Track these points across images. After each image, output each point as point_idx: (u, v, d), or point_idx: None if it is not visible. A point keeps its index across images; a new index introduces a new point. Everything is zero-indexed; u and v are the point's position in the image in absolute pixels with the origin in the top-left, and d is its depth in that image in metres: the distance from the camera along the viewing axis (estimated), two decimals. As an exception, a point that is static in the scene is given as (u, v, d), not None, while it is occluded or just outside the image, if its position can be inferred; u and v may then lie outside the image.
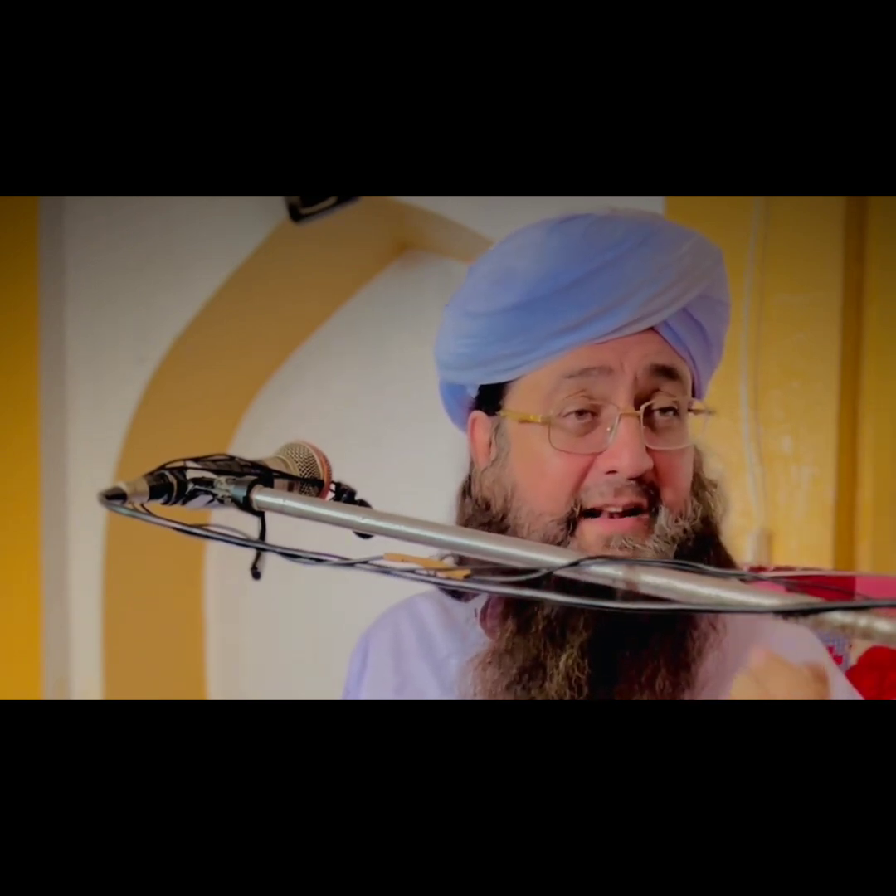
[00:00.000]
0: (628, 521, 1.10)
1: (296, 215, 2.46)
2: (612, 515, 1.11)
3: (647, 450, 1.09)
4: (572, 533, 1.11)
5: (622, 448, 1.09)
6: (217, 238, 2.70)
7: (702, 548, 1.13)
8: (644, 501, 1.10)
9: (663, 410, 1.12)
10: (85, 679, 2.91)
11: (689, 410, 1.14)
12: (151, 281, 2.78)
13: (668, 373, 1.12)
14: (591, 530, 1.11)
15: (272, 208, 2.56)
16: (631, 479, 1.09)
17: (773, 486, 1.92)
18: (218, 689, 3.12)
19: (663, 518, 1.11)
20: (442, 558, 1.12)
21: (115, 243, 2.81)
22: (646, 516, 1.11)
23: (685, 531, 1.12)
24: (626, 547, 1.10)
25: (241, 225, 2.66)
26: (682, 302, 1.11)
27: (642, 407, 1.10)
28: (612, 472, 1.10)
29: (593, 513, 1.11)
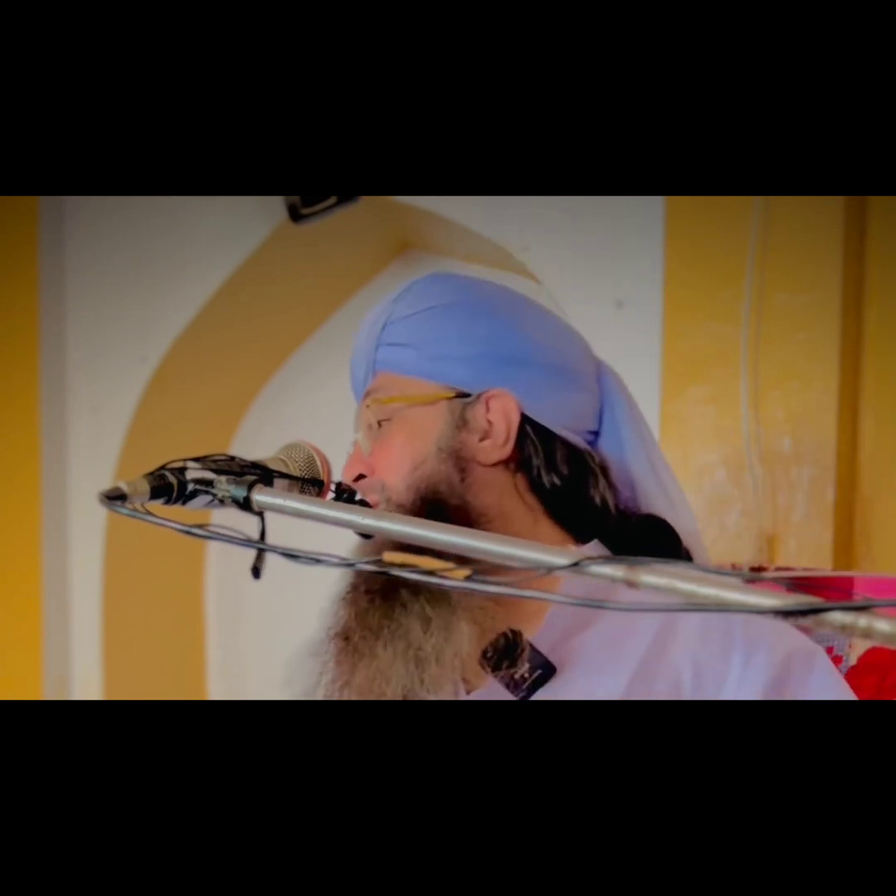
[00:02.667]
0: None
1: (296, 215, 2.46)
2: None
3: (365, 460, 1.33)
4: None
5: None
6: (217, 238, 2.70)
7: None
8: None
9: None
10: (85, 679, 2.90)
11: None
12: (152, 281, 2.78)
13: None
14: None
15: (272, 208, 2.56)
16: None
17: (773, 486, 1.92)
18: (218, 688, 3.12)
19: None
20: None
21: (116, 243, 2.80)
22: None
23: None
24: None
25: (241, 225, 2.66)
26: (376, 357, 1.34)
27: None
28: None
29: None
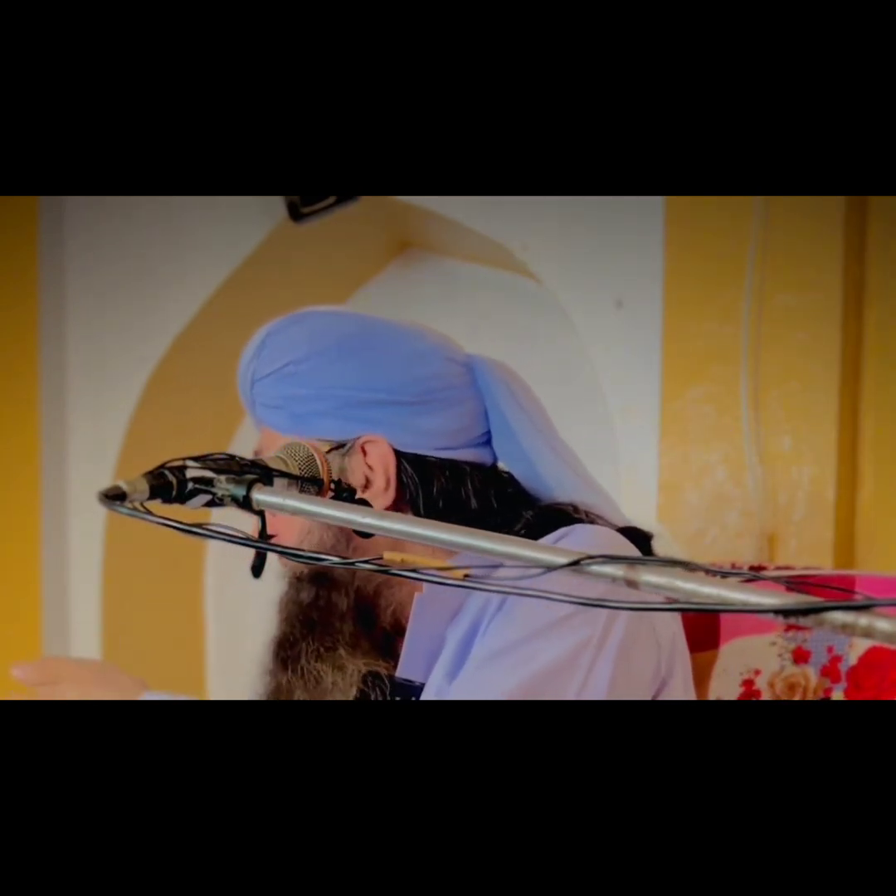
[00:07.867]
0: None
1: (296, 214, 2.45)
2: None
3: None
4: None
5: None
6: (217, 238, 2.70)
7: None
8: None
9: None
10: (85, 679, 2.90)
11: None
12: (152, 281, 2.78)
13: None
14: None
15: (272, 208, 2.56)
16: None
17: (774, 486, 1.92)
18: (218, 688, 3.12)
19: None
20: None
21: (116, 243, 2.80)
22: None
23: None
24: None
25: (241, 225, 2.66)
26: (256, 413, 1.37)
27: None
28: None
29: None
